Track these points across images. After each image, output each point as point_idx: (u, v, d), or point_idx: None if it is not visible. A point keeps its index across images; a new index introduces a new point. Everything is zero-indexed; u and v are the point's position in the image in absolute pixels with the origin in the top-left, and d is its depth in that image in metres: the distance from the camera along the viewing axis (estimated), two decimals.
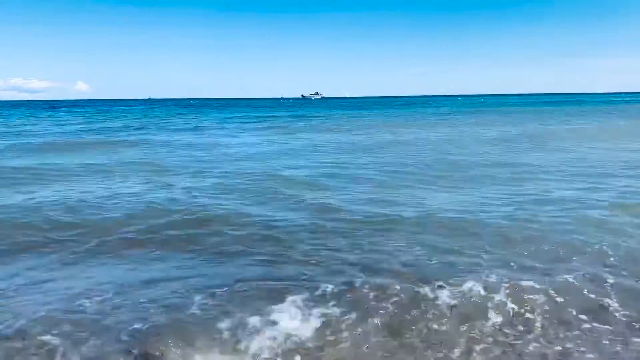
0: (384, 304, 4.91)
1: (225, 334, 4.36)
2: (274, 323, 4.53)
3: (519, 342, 4.29)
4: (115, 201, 9.49)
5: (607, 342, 4.28)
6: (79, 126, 36.43)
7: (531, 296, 5.04)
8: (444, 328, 4.52)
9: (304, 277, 5.65)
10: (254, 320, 4.54)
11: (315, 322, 4.56)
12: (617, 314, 4.74)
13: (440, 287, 5.27)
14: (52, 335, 4.33)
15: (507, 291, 5.13)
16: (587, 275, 5.55)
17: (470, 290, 5.18)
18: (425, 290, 5.18)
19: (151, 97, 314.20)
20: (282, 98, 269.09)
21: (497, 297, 5.01)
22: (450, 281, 5.38)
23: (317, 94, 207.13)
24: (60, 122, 41.84)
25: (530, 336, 4.37)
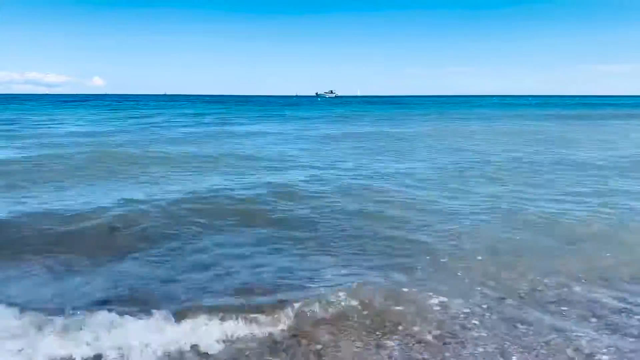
0: None
1: None
2: None
3: None
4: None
5: None
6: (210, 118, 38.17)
7: None
8: None
9: None
10: None
11: None
12: None
13: None
14: None
15: None
16: None
17: None
18: None
19: (166, 93, 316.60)
20: (296, 96, 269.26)
21: None
22: None
23: (332, 92, 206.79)
24: (168, 120, 39.88)
25: None
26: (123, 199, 9.38)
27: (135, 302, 5.02)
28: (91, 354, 4.02)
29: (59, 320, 4.42)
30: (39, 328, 4.27)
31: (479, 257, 6.37)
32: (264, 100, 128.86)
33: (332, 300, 5.00)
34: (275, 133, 26.42)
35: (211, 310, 4.69)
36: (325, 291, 5.24)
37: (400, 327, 4.57)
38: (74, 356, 3.97)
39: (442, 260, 6.32)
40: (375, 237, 7.31)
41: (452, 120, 39.92)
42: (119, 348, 4.02)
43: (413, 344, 4.31)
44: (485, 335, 4.45)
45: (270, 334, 4.46)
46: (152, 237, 7.32)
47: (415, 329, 4.54)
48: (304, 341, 4.38)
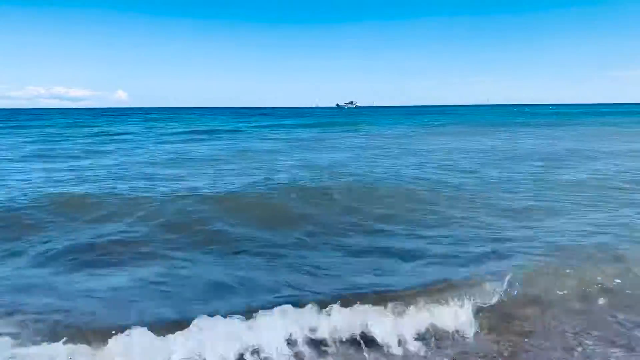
0: None
1: None
2: None
3: None
4: None
5: None
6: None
7: None
8: None
9: None
10: None
11: None
12: None
13: None
14: None
15: None
16: None
17: None
18: None
19: (183, 106, 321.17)
20: (317, 107, 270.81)
21: None
22: None
23: (352, 103, 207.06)
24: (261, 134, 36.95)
25: None
26: None
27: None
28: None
29: None
30: None
31: None
32: (307, 112, 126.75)
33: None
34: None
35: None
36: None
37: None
38: None
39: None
40: None
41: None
42: None
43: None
44: None
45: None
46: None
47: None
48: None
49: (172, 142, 27.29)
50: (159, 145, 25.78)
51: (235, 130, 40.45)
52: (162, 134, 35.38)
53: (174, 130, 39.78)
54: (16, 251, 6.93)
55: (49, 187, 11.50)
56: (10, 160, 17.84)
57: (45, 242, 7.27)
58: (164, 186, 11.57)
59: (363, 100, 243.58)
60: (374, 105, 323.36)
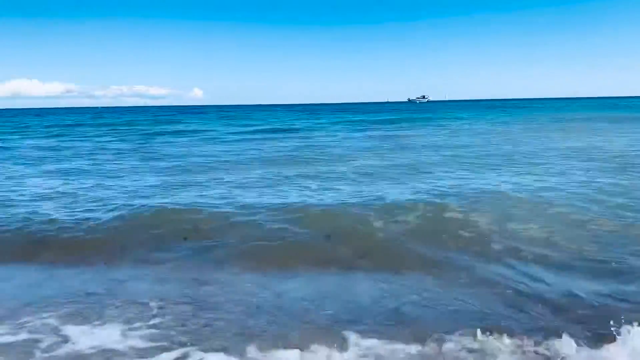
0: None
1: None
2: None
3: None
4: None
5: None
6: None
7: None
8: None
9: None
10: None
11: None
12: None
13: None
14: None
15: None
16: None
17: None
18: None
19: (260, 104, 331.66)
20: (387, 102, 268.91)
21: None
22: None
23: (424, 97, 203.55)
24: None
25: None
26: None
27: None
28: None
29: None
30: None
31: None
32: (379, 107, 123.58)
33: None
34: None
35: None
36: None
37: None
38: None
39: None
40: None
41: None
42: None
43: None
44: None
45: None
46: None
47: None
48: None
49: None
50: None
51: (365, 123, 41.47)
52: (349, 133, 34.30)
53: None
54: None
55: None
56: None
57: None
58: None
59: (434, 94, 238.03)
60: (446, 99, 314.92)
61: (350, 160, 17.57)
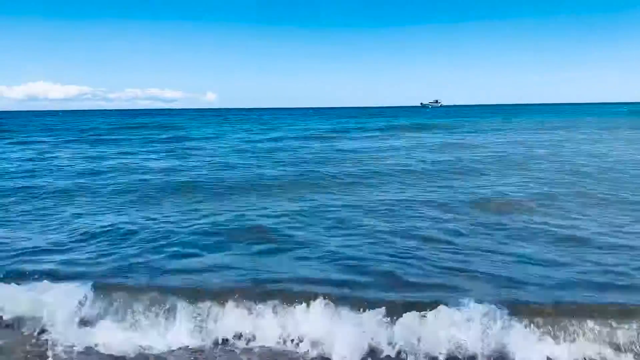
0: None
1: None
2: None
3: None
4: None
5: None
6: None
7: None
8: None
9: None
10: None
11: None
12: None
13: None
14: None
15: None
16: None
17: None
18: None
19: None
20: (400, 106, 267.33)
21: None
22: None
23: (437, 102, 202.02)
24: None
25: None
26: None
27: None
28: None
29: None
30: None
31: None
32: (393, 112, 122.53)
33: None
34: None
35: None
36: None
37: None
38: None
39: None
40: None
41: None
42: None
43: None
44: None
45: None
46: None
47: None
48: None
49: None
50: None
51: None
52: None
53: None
54: None
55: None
56: None
57: None
58: None
59: (446, 99, 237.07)
60: (458, 104, 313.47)
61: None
